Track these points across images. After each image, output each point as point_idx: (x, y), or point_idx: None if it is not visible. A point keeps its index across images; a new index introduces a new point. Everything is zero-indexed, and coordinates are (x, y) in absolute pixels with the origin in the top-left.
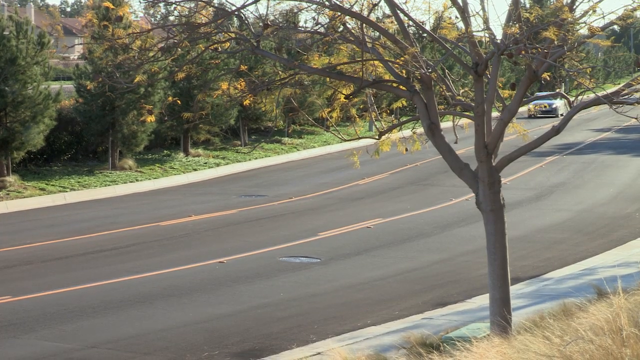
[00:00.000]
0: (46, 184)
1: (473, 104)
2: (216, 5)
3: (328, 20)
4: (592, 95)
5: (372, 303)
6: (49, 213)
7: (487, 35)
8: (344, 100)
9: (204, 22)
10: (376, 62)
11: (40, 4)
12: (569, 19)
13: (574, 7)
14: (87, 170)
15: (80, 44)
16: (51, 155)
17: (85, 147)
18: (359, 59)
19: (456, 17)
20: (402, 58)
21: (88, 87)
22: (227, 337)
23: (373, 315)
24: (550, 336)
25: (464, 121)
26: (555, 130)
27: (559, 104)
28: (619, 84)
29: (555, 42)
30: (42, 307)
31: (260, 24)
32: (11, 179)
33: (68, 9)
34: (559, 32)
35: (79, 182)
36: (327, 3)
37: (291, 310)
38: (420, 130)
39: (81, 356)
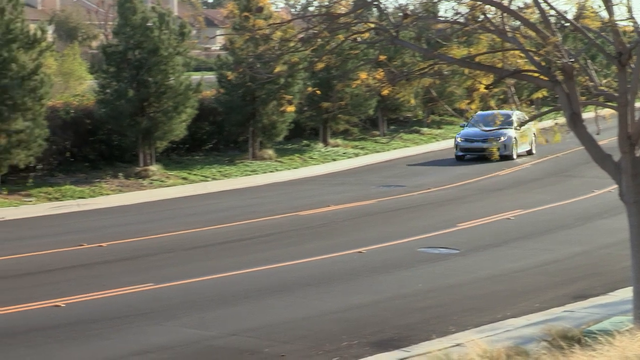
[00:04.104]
0: (188, 174)
1: (616, 94)
2: None
3: (468, 10)
4: None
5: (511, 295)
6: (190, 202)
7: (631, 24)
8: (484, 90)
9: (343, 12)
10: (517, 52)
11: None
12: None
13: None
14: (228, 159)
15: (222, 34)
16: (193, 145)
17: (226, 137)
18: (499, 49)
19: (599, 6)
20: (544, 48)
21: (229, 78)
22: (365, 326)
23: (513, 307)
24: None
25: (606, 111)
26: None
27: None
28: None
29: None
30: (183, 294)
31: (400, 14)
32: (154, 168)
33: (210, 0)
34: None
35: (219, 171)
36: None
37: (430, 301)
38: (561, 120)
39: (222, 343)
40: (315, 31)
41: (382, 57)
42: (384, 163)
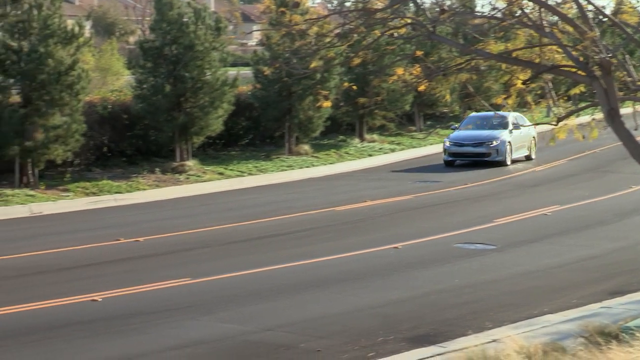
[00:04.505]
0: (224, 169)
1: None
2: None
3: (505, 5)
4: None
5: (548, 291)
6: (226, 197)
7: None
8: (521, 86)
9: (380, 7)
10: (554, 47)
11: None
12: None
13: None
14: (264, 155)
15: (258, 30)
16: (229, 140)
17: (262, 133)
18: (536, 44)
19: (637, 1)
20: (581, 44)
21: (265, 73)
22: (401, 322)
23: (550, 303)
24: None
25: None
26: None
27: None
28: None
29: None
30: (220, 289)
31: (437, 9)
32: (191, 163)
33: None
34: None
35: (256, 166)
36: None
37: (466, 296)
38: (598, 116)
39: (258, 338)
40: (352, 26)
41: (418, 53)
42: (421, 158)
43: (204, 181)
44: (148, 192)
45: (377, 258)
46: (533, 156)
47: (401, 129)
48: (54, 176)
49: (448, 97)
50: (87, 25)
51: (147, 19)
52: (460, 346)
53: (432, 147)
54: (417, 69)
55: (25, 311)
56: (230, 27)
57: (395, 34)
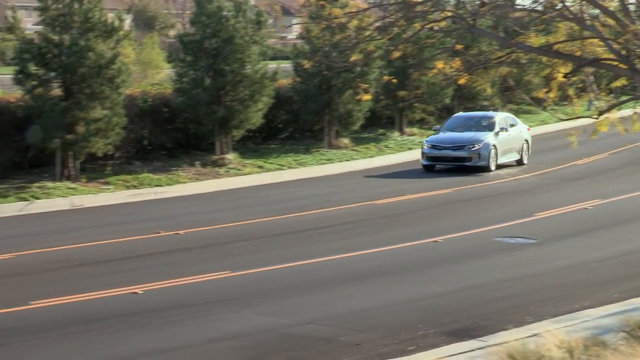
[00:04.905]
0: (264, 162)
1: None
2: None
3: None
4: None
5: (589, 285)
6: (266, 190)
7: None
8: (562, 79)
9: (420, 0)
10: (595, 40)
11: None
12: None
13: None
14: (304, 148)
15: (298, 23)
16: (269, 133)
17: (301, 126)
18: (577, 37)
19: None
20: (623, 37)
21: (305, 67)
22: (441, 316)
23: (591, 297)
24: None
25: None
26: None
27: None
28: None
29: None
30: (259, 282)
31: (477, 2)
32: (231, 156)
33: None
34: None
35: (295, 160)
36: None
37: (506, 290)
38: None
39: (297, 332)
40: (392, 20)
41: (459, 46)
42: None
43: (244, 174)
44: (188, 185)
45: (416, 252)
46: (525, 161)
47: (441, 122)
48: (95, 169)
49: (489, 91)
50: (128, 19)
51: (187, 12)
52: (501, 340)
53: None
54: (457, 62)
55: (67, 303)
56: (270, 21)
57: (436, 27)
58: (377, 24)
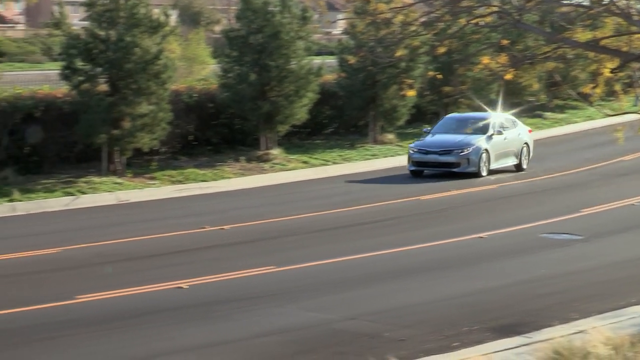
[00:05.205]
0: (309, 157)
1: None
2: None
3: None
4: None
5: (636, 281)
6: (311, 185)
7: None
8: (609, 74)
9: None
10: None
11: None
12: None
13: None
14: (349, 144)
15: (343, 19)
16: (314, 129)
17: (346, 121)
18: (624, 33)
19: None
20: None
21: (350, 62)
22: (485, 312)
23: (637, 294)
24: None
25: None
26: None
27: None
28: None
29: None
30: (305, 277)
31: None
32: (276, 151)
33: None
34: None
35: (340, 155)
36: None
37: (551, 287)
38: None
39: (342, 327)
40: (437, 15)
41: (504, 41)
42: None
43: (289, 170)
44: (233, 180)
45: (461, 247)
46: (525, 166)
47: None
48: (141, 164)
49: (536, 86)
50: (173, 15)
51: (233, 8)
52: (546, 337)
53: None
54: (503, 58)
55: (113, 298)
56: (316, 16)
57: (481, 23)
58: (423, 19)
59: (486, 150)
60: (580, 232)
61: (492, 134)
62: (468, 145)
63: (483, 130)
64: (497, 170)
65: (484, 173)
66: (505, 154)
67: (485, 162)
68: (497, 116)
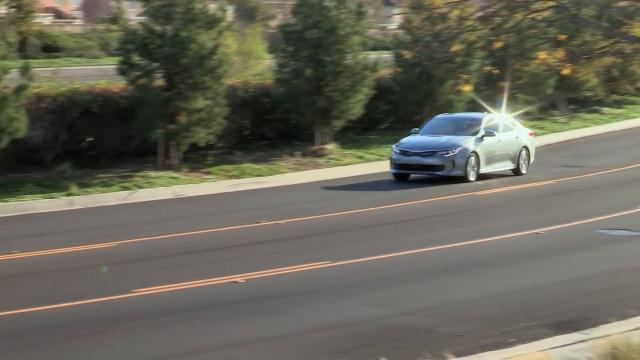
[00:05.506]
0: (364, 152)
1: None
2: None
3: None
4: None
5: None
6: (366, 180)
7: None
8: None
9: None
10: None
11: None
12: None
13: None
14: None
15: (399, 13)
16: (369, 124)
17: (401, 116)
18: None
19: None
20: None
21: (406, 57)
22: (541, 308)
23: None
24: None
25: None
26: None
27: None
28: None
29: None
30: (360, 272)
31: None
32: (331, 146)
33: None
34: None
35: None
36: None
37: (609, 283)
38: None
39: (398, 322)
40: (494, 9)
41: (561, 36)
42: (563, 143)
43: (344, 165)
44: (288, 175)
45: (517, 243)
46: (524, 170)
47: (543, 113)
48: (197, 159)
49: (593, 81)
50: (230, 10)
51: (289, 3)
52: (603, 333)
53: (575, 132)
54: (560, 53)
55: (168, 292)
56: (371, 11)
57: (538, 17)
58: (479, 14)
59: (474, 152)
60: (638, 228)
61: (483, 136)
62: (454, 146)
63: (474, 131)
64: (490, 174)
65: (472, 177)
66: (499, 157)
67: (473, 166)
68: (492, 117)
